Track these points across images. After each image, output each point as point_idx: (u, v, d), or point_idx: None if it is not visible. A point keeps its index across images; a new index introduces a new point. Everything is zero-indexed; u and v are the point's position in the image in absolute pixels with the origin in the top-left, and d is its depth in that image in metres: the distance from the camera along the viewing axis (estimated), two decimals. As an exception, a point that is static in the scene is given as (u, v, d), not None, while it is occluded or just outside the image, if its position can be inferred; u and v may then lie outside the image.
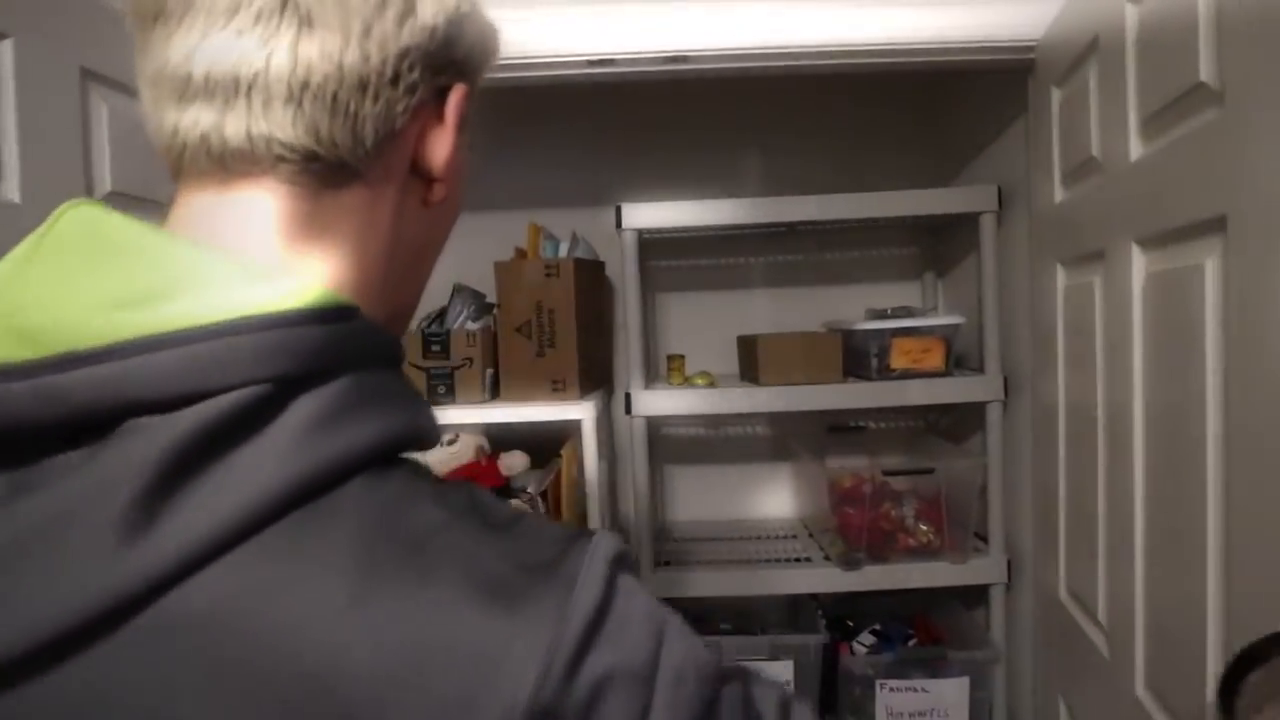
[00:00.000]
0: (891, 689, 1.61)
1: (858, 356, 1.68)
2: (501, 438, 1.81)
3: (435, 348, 1.67)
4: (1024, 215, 1.56)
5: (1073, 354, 1.21)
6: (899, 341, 1.65)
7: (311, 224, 0.41)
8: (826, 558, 1.70)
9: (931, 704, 1.61)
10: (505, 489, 1.70)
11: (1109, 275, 1.05)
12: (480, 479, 1.69)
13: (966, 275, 1.87)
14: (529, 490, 1.62)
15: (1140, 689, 0.96)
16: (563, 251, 1.73)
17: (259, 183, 0.40)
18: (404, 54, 0.41)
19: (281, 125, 0.39)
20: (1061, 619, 1.27)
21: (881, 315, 1.71)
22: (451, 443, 1.70)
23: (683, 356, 1.77)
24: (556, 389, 1.66)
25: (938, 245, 2.00)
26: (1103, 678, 1.08)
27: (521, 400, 1.66)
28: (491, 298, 1.77)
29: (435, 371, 1.66)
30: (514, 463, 1.70)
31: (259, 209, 0.40)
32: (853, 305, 2.00)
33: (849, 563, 1.63)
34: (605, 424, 1.89)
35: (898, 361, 1.65)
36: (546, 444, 1.82)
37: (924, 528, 1.69)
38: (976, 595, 1.81)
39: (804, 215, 1.63)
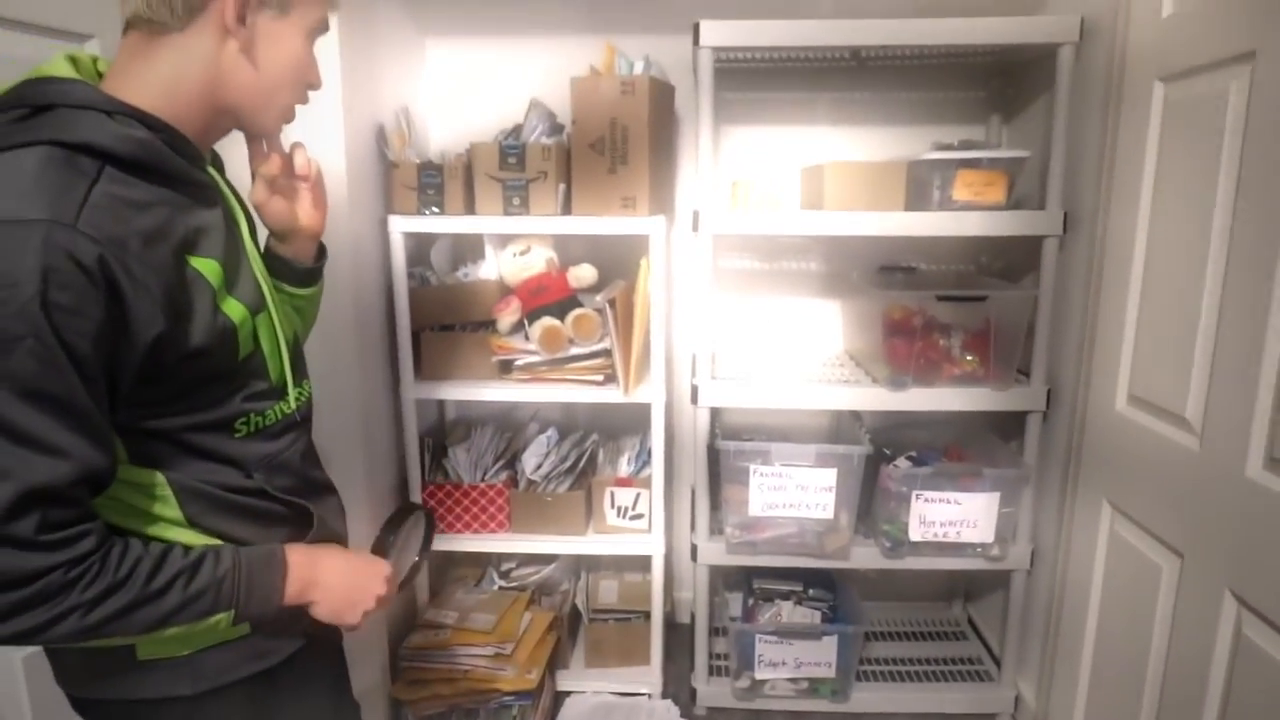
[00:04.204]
0: (926, 500, 1.74)
1: (921, 188, 1.72)
2: (571, 253, 1.89)
3: (511, 160, 1.72)
4: (1104, 54, 1.55)
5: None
6: (963, 173, 1.67)
7: (136, 56, 0.74)
8: (874, 381, 1.80)
9: (962, 515, 1.74)
10: (573, 300, 1.79)
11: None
12: (550, 289, 1.78)
13: (1032, 118, 1.88)
14: (597, 299, 1.71)
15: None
16: (638, 69, 1.74)
17: (130, 31, 0.74)
18: None
19: (134, 3, 0.73)
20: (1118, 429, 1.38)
21: (948, 148, 1.73)
22: (524, 253, 1.79)
23: (749, 182, 1.81)
24: (626, 205, 1.72)
25: (1006, 88, 1.99)
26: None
27: (592, 214, 1.73)
28: (563, 118, 1.81)
29: (511, 183, 1.73)
30: (583, 274, 1.79)
31: (124, 44, 0.75)
32: (917, 146, 2.01)
33: (895, 383, 1.73)
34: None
35: (960, 193, 1.68)
36: (611, 265, 1.90)
37: (969, 357, 1.77)
38: (1014, 427, 1.91)
39: (884, 39, 1.63)
